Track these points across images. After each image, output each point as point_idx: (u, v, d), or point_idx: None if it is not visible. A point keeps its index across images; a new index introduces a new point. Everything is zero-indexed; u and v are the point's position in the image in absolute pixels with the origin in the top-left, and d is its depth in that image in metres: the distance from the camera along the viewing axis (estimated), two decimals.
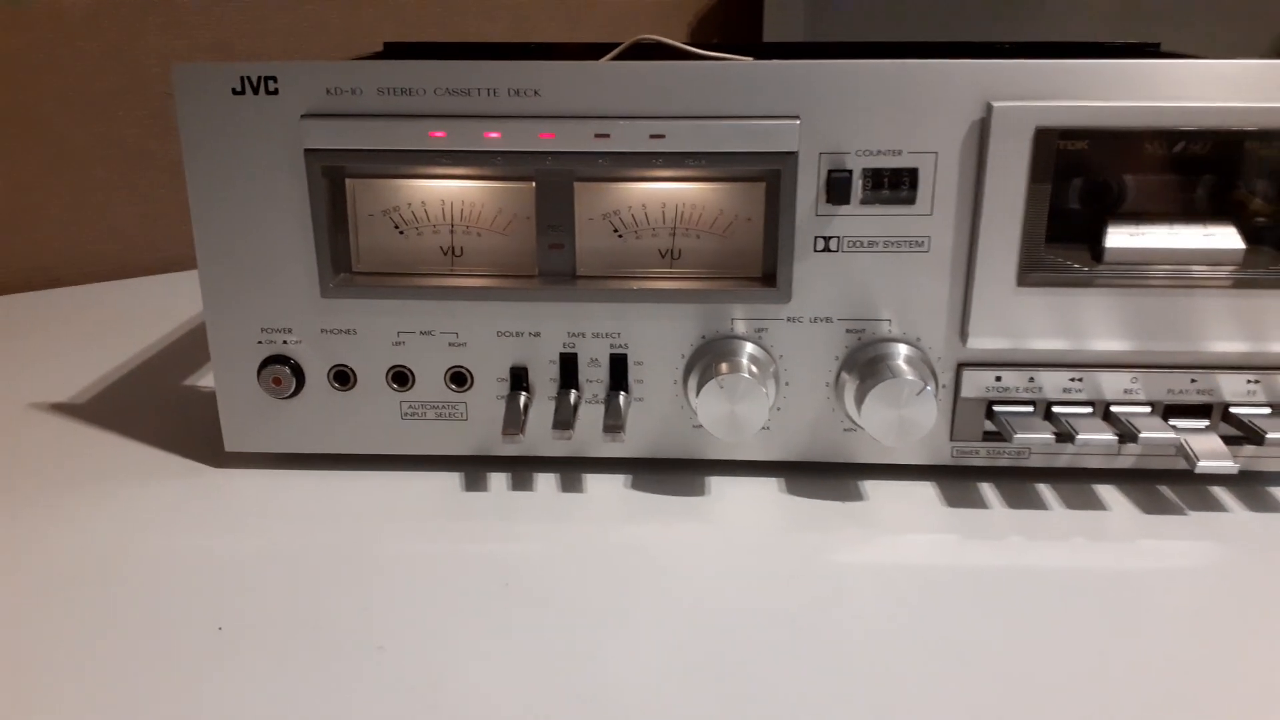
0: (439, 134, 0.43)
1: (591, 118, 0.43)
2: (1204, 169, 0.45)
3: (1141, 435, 0.43)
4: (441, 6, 0.94)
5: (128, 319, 0.73)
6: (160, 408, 0.57)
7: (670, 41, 0.59)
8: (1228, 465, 0.43)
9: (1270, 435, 0.43)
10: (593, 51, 0.58)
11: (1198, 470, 0.43)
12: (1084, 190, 0.45)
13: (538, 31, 0.99)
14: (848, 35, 1.02)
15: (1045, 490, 0.47)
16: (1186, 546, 0.43)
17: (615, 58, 0.61)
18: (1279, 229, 0.45)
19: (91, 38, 0.80)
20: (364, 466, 0.49)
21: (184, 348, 0.67)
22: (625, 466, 0.49)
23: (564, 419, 0.45)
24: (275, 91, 0.43)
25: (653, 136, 0.43)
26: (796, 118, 0.43)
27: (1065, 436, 0.45)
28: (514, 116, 0.43)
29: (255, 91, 0.43)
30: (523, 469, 0.49)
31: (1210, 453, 0.44)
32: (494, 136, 0.43)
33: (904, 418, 0.43)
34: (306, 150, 0.44)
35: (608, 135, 0.43)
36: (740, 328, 0.46)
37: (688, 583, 0.40)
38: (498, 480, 0.48)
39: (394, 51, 0.68)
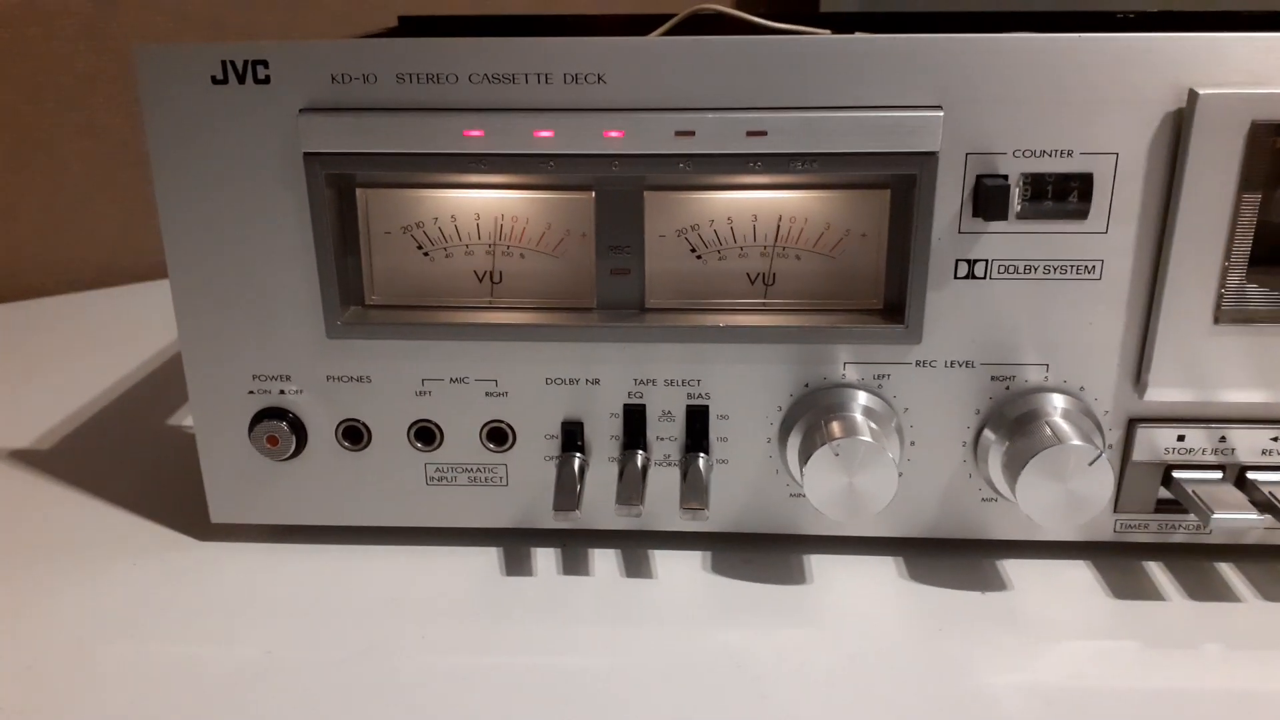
0: (475, 132, 0.34)
1: (672, 110, 0.33)
2: None
3: None
4: None
5: (107, 336, 0.64)
6: (138, 456, 0.47)
7: (734, 12, 0.50)
8: None
9: None
10: (640, 26, 0.49)
11: None
12: None
13: (566, 4, 0.89)
14: (907, 6, 0.92)
15: (1229, 573, 0.38)
16: None
17: (666, 34, 0.51)
18: None
19: (61, 14, 0.70)
20: (381, 540, 0.40)
21: (170, 374, 0.58)
22: (703, 541, 0.39)
23: (630, 492, 0.35)
24: (266, 79, 0.34)
25: (750, 134, 0.33)
26: (939, 108, 0.33)
27: (1267, 508, 0.36)
28: (572, 109, 0.33)
29: (241, 79, 0.34)
30: (576, 544, 0.39)
31: None
32: (546, 135, 0.34)
33: (1072, 493, 0.34)
34: (306, 154, 0.34)
35: (692, 133, 0.33)
36: (853, 374, 0.36)
37: (793, 713, 0.31)
38: (545, 559, 0.39)
39: (411, 27, 0.58)
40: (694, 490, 0.36)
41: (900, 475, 0.37)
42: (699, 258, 0.37)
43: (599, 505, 0.38)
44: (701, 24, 0.50)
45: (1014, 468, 0.34)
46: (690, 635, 0.35)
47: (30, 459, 0.48)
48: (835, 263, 0.37)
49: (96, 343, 0.63)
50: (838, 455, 0.34)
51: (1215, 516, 0.34)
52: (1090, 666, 0.33)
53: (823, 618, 0.36)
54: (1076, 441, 0.34)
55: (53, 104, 0.71)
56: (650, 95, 0.33)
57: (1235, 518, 0.34)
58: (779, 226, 0.37)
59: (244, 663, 0.33)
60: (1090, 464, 0.33)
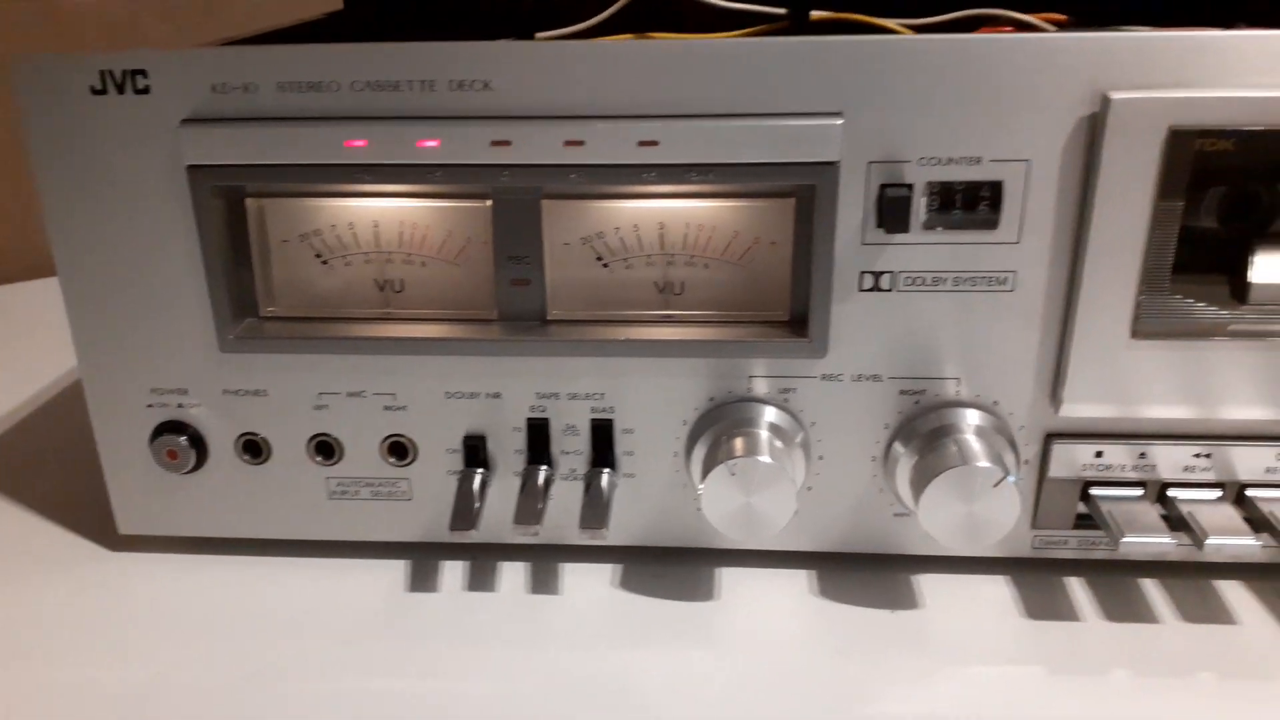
0: (358, 142, 0.32)
1: (561, 118, 0.32)
2: None
3: None
4: None
5: (20, 330, 0.63)
6: (63, 460, 0.47)
7: None
8: None
9: None
10: (593, 5, 0.47)
11: None
12: (1225, 206, 0.34)
13: None
14: None
15: (1152, 590, 0.36)
16: None
17: (614, 14, 0.50)
18: None
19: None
20: (291, 552, 0.39)
21: None
22: (614, 555, 0.38)
23: (529, 512, 0.35)
24: (146, 90, 0.33)
25: (642, 143, 0.32)
26: (839, 115, 0.31)
27: (1179, 525, 0.35)
28: (457, 118, 0.32)
29: (121, 90, 0.33)
30: (485, 557, 0.39)
31: None
32: (431, 145, 0.32)
33: (976, 515, 0.33)
34: (189, 166, 0.33)
35: (582, 142, 0.32)
36: (760, 387, 0.35)
37: None
38: (452, 574, 0.38)
39: (356, 9, 0.56)
40: (592, 510, 0.35)
41: (809, 489, 0.36)
42: (605, 266, 0.36)
43: (506, 520, 0.37)
44: (647, 3, 0.48)
45: (918, 486, 0.33)
46: (587, 657, 0.34)
47: None
48: (744, 271, 0.36)
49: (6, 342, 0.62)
50: (734, 475, 0.33)
51: (1124, 540, 0.33)
52: (991, 693, 0.32)
53: (725, 637, 0.35)
54: (982, 463, 0.32)
55: None
56: (539, 102, 0.32)
57: (1146, 541, 0.33)
58: (686, 234, 0.35)
59: (130, 687, 0.33)
60: (995, 486, 0.32)
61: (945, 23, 0.46)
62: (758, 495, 0.33)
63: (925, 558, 0.37)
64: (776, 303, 0.35)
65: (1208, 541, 0.33)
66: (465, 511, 0.35)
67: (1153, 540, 0.33)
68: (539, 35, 0.48)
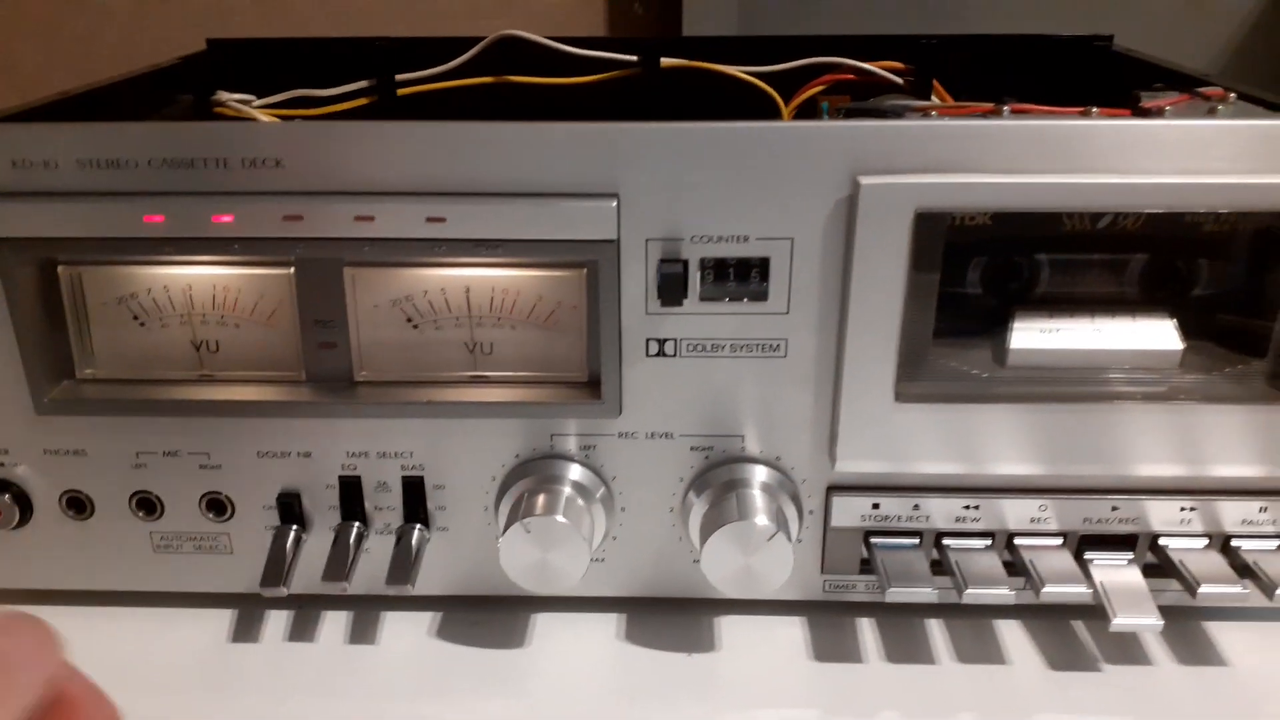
0: (156, 218, 0.34)
1: (351, 194, 0.33)
2: (1137, 247, 0.37)
3: (1045, 590, 0.35)
4: None
5: None
6: None
7: (536, 38, 0.49)
8: (1149, 622, 0.35)
9: (1204, 590, 0.35)
10: (450, 49, 0.48)
11: (1113, 628, 0.35)
12: (985, 274, 0.36)
13: (385, 26, 0.87)
14: (783, 25, 0.91)
15: (937, 631, 0.39)
16: None
17: (473, 59, 0.51)
18: (1228, 321, 0.37)
19: None
20: (122, 601, 0.40)
21: None
22: (435, 603, 0.40)
23: (337, 569, 0.36)
24: None
25: (430, 219, 0.33)
26: (614, 196, 0.33)
27: (950, 572, 0.37)
28: (250, 193, 0.33)
29: None
30: (310, 607, 0.40)
31: (1131, 601, 0.36)
32: (225, 220, 0.34)
33: (752, 567, 0.35)
34: None
35: (372, 218, 0.34)
36: (564, 445, 0.37)
37: None
38: (276, 623, 0.39)
39: (219, 52, 0.57)
40: (398, 565, 0.36)
41: (614, 539, 0.38)
42: (415, 327, 0.37)
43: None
44: (507, 49, 0.50)
45: (702, 538, 0.35)
46: (394, 708, 0.36)
47: None
48: (549, 333, 0.37)
49: None
50: (529, 533, 0.35)
51: (890, 590, 0.35)
52: None
53: (529, 685, 0.37)
54: (759, 519, 0.34)
55: None
56: (329, 179, 0.33)
57: (911, 592, 0.35)
58: (492, 298, 0.37)
59: None
60: (769, 540, 0.34)
61: (789, 70, 0.48)
62: (553, 551, 0.35)
63: (728, 601, 0.39)
64: (577, 365, 0.37)
65: (967, 591, 0.35)
66: (275, 571, 0.36)
67: (916, 591, 0.35)
68: (400, 77, 0.50)
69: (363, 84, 0.49)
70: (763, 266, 0.34)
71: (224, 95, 0.47)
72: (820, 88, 0.48)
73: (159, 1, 0.75)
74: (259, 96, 0.47)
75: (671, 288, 0.34)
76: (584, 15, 1.02)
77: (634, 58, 0.49)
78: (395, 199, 0.33)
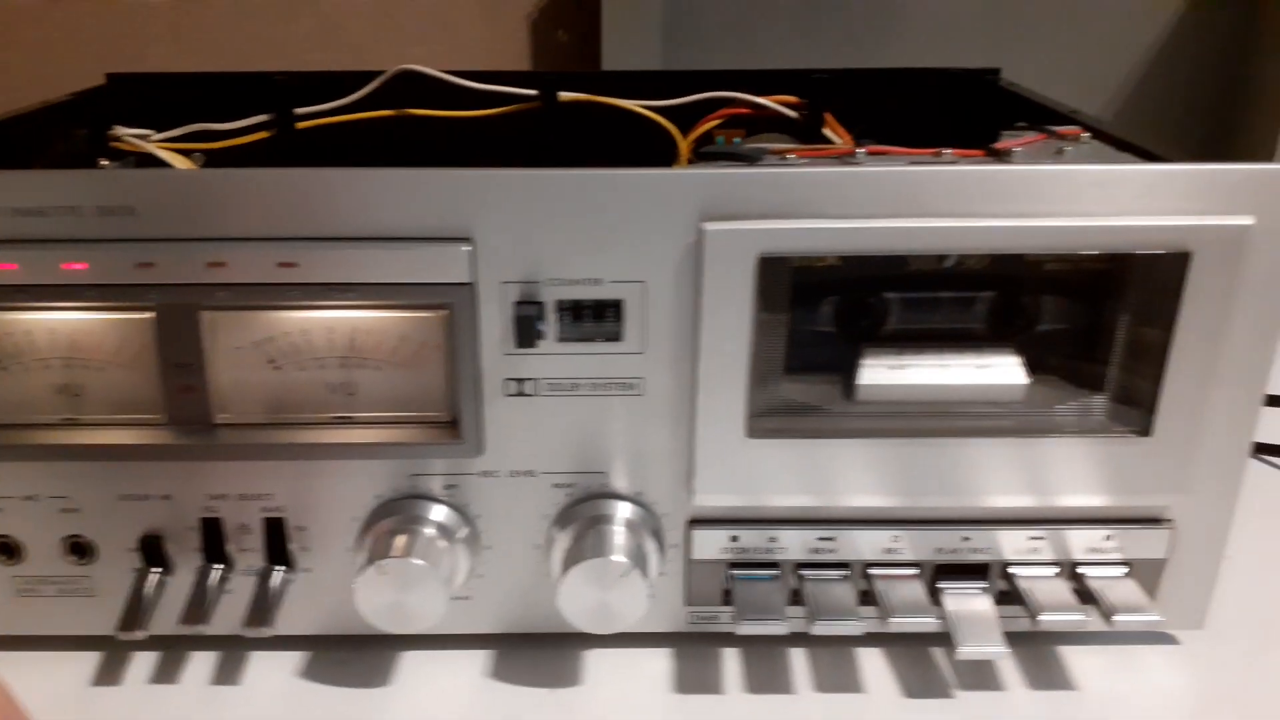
0: (9, 266, 0.34)
1: (204, 240, 0.34)
2: (982, 285, 0.38)
3: (891, 621, 0.36)
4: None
5: None
6: None
7: (434, 73, 0.50)
8: (994, 650, 0.36)
9: (1043, 617, 0.36)
10: (351, 83, 0.49)
11: (958, 657, 0.36)
12: (835, 313, 0.38)
13: (346, 28, 0.88)
14: (706, 53, 0.93)
15: (799, 661, 0.40)
16: None
17: (375, 92, 0.51)
18: (1070, 356, 0.38)
19: None
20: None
21: None
22: (302, 643, 0.40)
23: (195, 611, 0.36)
24: None
25: (282, 264, 0.34)
26: (468, 241, 0.34)
27: (804, 602, 0.38)
28: (102, 240, 0.34)
29: None
30: (176, 648, 0.40)
31: (976, 630, 0.37)
32: (78, 268, 0.34)
33: (608, 603, 0.36)
34: None
35: (224, 264, 0.34)
36: (426, 484, 0.37)
37: None
38: (140, 666, 0.39)
39: (119, 86, 0.57)
40: (257, 607, 0.36)
41: (481, 577, 0.39)
42: (278, 368, 0.38)
43: None
44: (406, 83, 0.50)
45: (562, 574, 0.36)
46: None
47: None
48: (412, 373, 0.38)
49: None
50: (385, 574, 0.35)
51: (741, 624, 0.36)
52: None
53: None
54: (613, 556, 0.35)
55: None
56: (183, 227, 0.34)
57: (762, 625, 0.36)
58: (354, 338, 0.37)
59: None
60: (623, 576, 0.35)
61: (685, 105, 0.49)
62: (409, 592, 0.35)
63: (598, 635, 0.40)
64: (441, 404, 0.38)
65: (817, 623, 0.36)
66: (133, 615, 0.36)
67: (766, 622, 0.36)
68: (299, 111, 0.50)
69: (262, 118, 0.50)
70: (617, 308, 0.35)
71: (120, 130, 0.47)
72: (716, 121, 0.49)
73: (65, 37, 0.74)
74: (159, 130, 0.47)
75: (527, 330, 0.34)
76: (509, 46, 1.03)
77: (534, 91, 0.50)
78: (247, 244, 0.34)
